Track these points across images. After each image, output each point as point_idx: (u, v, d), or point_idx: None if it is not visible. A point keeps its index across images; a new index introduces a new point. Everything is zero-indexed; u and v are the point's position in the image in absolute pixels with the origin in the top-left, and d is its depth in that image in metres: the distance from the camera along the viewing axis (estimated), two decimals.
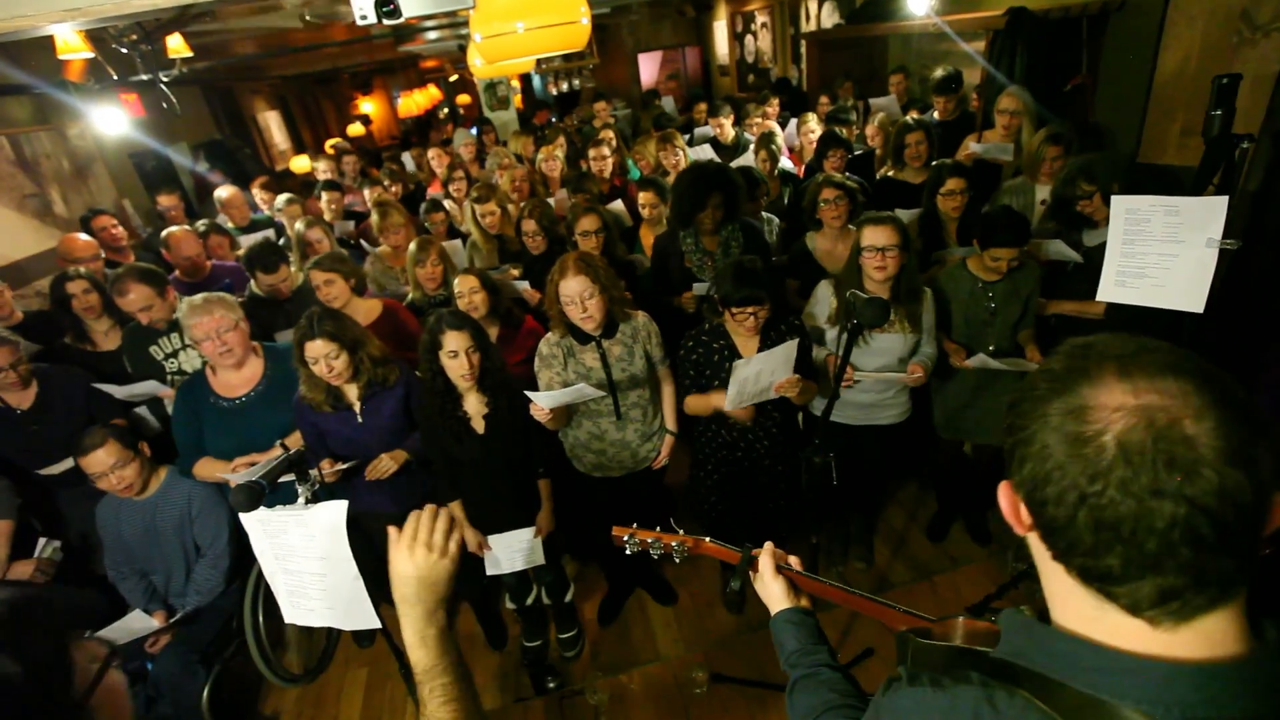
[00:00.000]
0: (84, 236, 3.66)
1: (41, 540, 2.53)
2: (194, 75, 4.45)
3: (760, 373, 2.15)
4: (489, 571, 2.41)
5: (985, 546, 2.97)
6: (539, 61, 8.63)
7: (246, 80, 9.37)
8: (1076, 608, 0.58)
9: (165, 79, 4.30)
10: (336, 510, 1.27)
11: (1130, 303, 1.86)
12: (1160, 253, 1.81)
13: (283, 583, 1.35)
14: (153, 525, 2.40)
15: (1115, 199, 1.85)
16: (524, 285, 3.10)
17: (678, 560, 1.24)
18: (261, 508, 1.34)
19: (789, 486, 2.46)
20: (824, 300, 2.49)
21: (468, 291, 2.62)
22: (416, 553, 0.95)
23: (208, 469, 2.39)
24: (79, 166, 4.95)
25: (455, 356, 2.12)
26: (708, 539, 1.20)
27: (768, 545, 1.12)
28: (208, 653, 2.42)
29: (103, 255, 3.65)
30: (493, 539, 2.37)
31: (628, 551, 1.26)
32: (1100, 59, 3.68)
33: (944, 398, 2.74)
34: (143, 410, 2.84)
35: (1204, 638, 0.53)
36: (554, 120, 8.08)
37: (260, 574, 2.70)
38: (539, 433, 2.34)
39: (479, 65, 4.66)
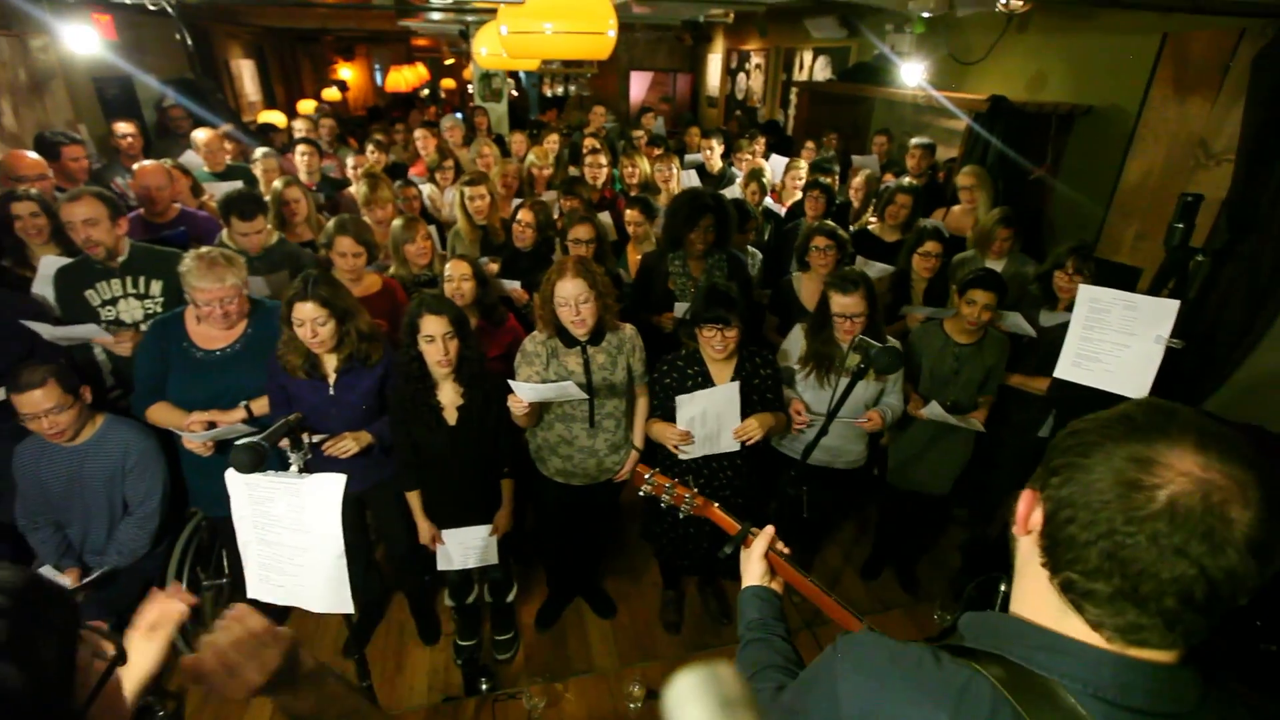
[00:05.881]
0: (32, 154, 3.38)
1: None
2: (173, 7, 4.20)
3: (706, 411, 2.19)
4: (439, 566, 2.36)
5: (912, 594, 3.11)
6: (542, 62, 8.60)
7: (224, 23, 8.95)
8: (1041, 607, 0.66)
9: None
10: (334, 483, 1.23)
11: (1083, 383, 2.03)
12: (1114, 341, 1.98)
13: (255, 554, 1.29)
14: (79, 474, 2.24)
15: (1082, 288, 2.02)
16: (515, 285, 3.08)
17: (682, 515, 1.32)
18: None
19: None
20: (797, 341, 2.57)
21: (458, 277, 2.59)
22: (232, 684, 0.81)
23: (164, 414, 2.26)
24: (36, 81, 4.58)
25: (432, 341, 2.08)
26: (716, 505, 1.30)
27: (769, 528, 1.20)
28: (123, 618, 2.24)
29: (50, 176, 3.39)
30: (447, 534, 2.34)
31: (640, 492, 1.34)
32: (1063, 157, 3.99)
33: (898, 448, 2.86)
34: (99, 352, 2.65)
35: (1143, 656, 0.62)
36: (540, 119, 8.06)
37: (190, 538, 2.56)
38: (509, 432, 2.32)
39: (484, 55, 4.62)
